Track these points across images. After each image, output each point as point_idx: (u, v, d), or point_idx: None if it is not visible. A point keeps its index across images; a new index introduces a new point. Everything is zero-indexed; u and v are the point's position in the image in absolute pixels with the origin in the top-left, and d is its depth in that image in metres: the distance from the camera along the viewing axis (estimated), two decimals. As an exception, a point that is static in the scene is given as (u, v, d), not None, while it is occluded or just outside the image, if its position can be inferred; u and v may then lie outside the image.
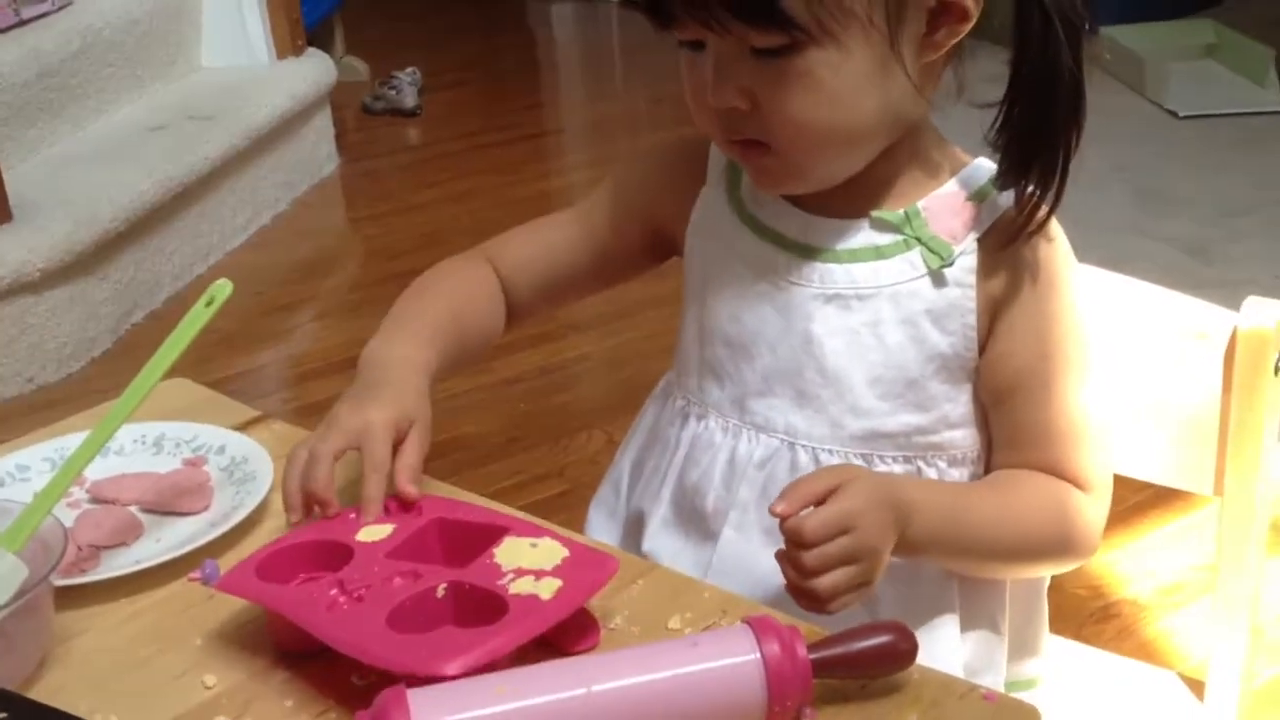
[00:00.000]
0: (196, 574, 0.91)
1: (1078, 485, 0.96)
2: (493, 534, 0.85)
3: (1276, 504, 1.06)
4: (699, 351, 1.03)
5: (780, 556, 0.85)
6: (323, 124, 3.74)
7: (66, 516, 0.94)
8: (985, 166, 0.98)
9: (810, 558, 0.83)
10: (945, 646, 0.98)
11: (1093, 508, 0.97)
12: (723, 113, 0.92)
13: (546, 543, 0.84)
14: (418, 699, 0.70)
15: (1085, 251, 0.99)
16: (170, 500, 0.99)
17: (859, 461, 0.97)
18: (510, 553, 0.83)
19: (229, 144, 3.20)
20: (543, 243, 1.11)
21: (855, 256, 0.97)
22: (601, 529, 1.10)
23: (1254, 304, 1.01)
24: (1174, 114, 3.71)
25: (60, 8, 3.19)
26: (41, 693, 0.81)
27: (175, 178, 2.99)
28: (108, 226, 2.74)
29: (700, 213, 1.04)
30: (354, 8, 4.63)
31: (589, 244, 1.10)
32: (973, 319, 0.96)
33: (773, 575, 0.86)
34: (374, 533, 0.87)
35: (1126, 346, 1.06)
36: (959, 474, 0.99)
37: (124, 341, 2.80)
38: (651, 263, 1.11)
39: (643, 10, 0.91)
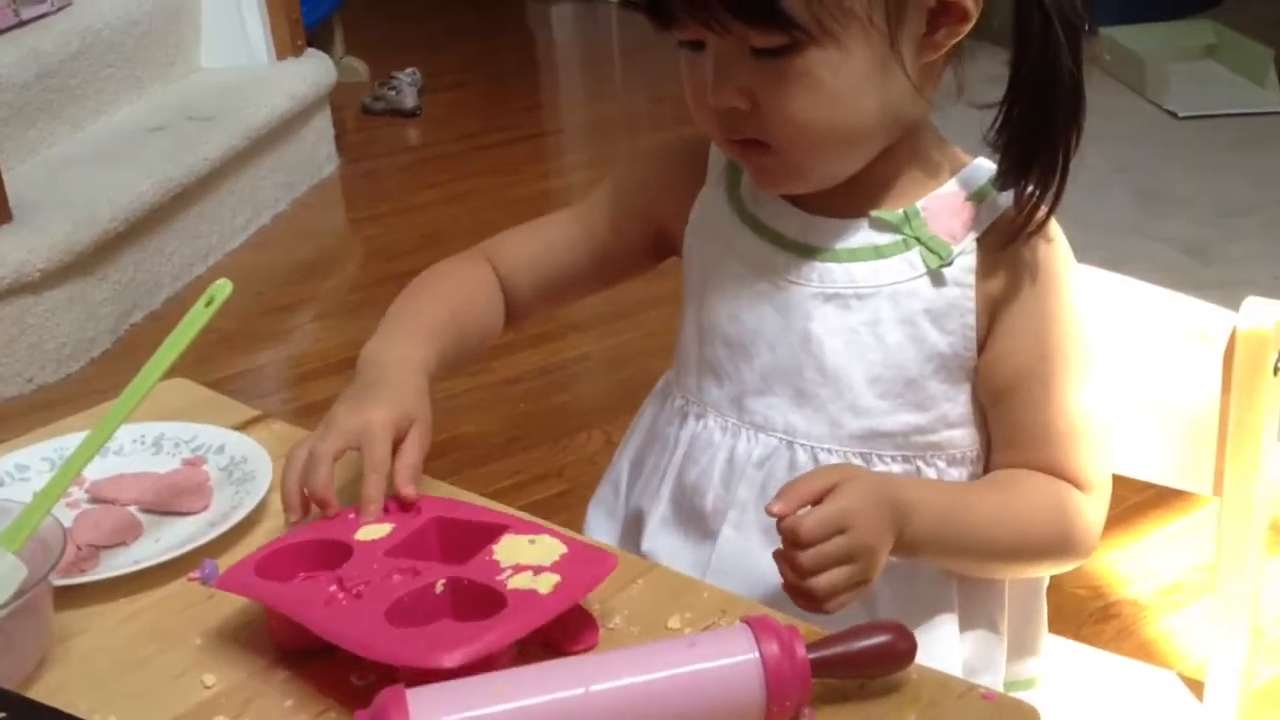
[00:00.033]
0: (196, 574, 0.91)
1: (1077, 485, 0.96)
2: (491, 532, 0.85)
3: (1276, 504, 1.06)
4: (698, 351, 1.03)
5: (777, 556, 0.85)
6: (322, 125, 3.74)
7: (66, 516, 0.94)
8: (985, 167, 0.98)
9: (807, 557, 0.83)
10: (944, 646, 0.98)
11: (1092, 508, 0.97)
12: (723, 112, 0.92)
13: (545, 540, 0.84)
14: (416, 698, 0.70)
15: (1085, 252, 0.99)
16: (169, 500, 0.99)
17: (858, 461, 0.97)
18: (509, 549, 0.83)
19: (228, 144, 3.20)
20: (542, 242, 1.11)
21: (855, 256, 0.97)
22: (601, 528, 1.10)
23: (1253, 304, 1.01)
24: (1174, 114, 3.71)
25: (59, 9, 3.19)
26: (41, 692, 0.81)
27: (175, 178, 2.99)
28: (107, 227, 2.74)
29: (700, 212, 1.04)
30: (354, 8, 4.63)
31: (589, 243, 1.10)
32: (972, 319, 0.96)
33: (771, 574, 0.86)
34: (373, 532, 0.87)
35: (1126, 347, 1.06)
36: (958, 474, 0.99)
37: (123, 342, 2.80)
38: (651, 262, 1.12)
39: (643, 10, 0.91)
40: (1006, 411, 0.97)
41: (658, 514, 1.04)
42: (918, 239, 0.96)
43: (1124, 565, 1.97)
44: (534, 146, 4.06)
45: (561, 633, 0.81)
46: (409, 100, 4.20)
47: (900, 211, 0.96)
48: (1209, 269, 2.88)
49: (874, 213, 0.97)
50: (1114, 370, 1.04)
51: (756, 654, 0.73)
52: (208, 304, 0.95)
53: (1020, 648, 1.05)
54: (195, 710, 0.79)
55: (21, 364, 2.60)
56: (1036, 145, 0.92)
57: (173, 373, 0.95)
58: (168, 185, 2.96)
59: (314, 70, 3.69)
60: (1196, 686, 1.11)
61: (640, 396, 1.12)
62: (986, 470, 1.00)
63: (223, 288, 0.96)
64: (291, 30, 3.69)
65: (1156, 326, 1.06)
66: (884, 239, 0.97)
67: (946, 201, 0.97)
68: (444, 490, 0.96)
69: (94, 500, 1.01)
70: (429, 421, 0.94)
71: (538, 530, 0.85)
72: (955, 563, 0.98)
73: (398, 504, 0.89)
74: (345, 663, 0.79)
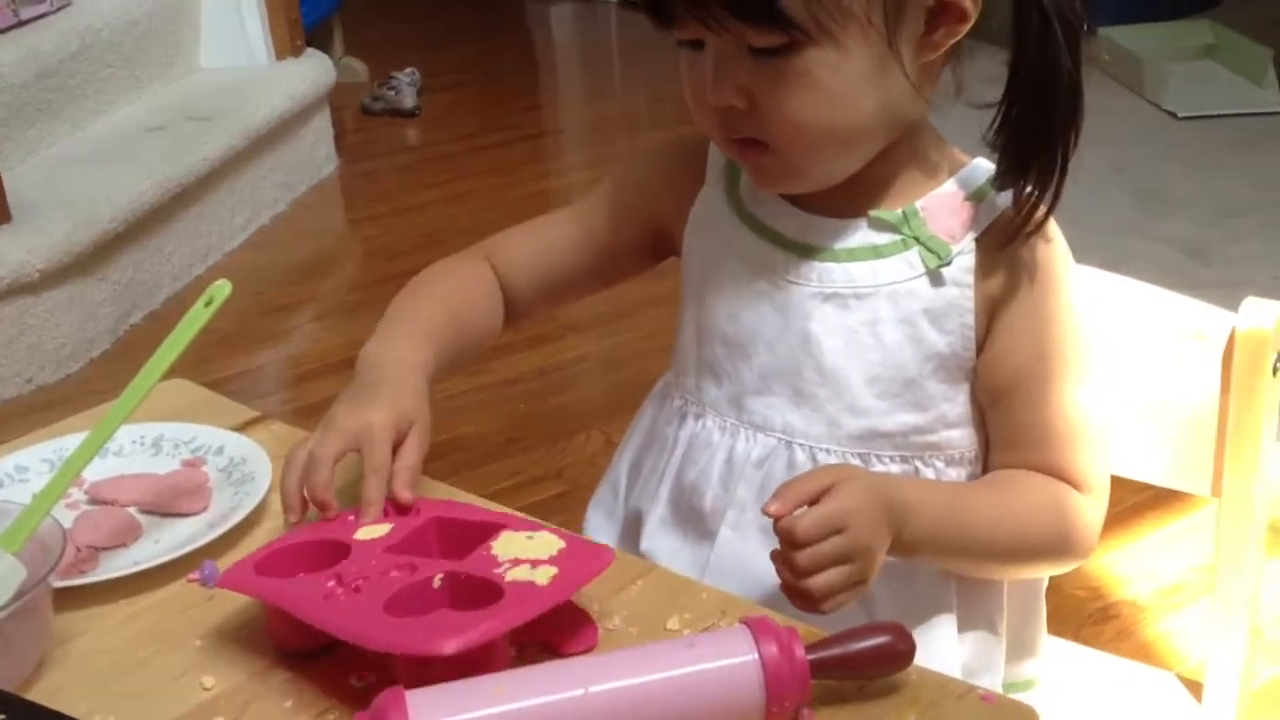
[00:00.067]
0: (195, 575, 0.90)
1: (1075, 486, 0.96)
2: (489, 530, 0.85)
3: (1275, 505, 1.06)
4: (697, 351, 1.03)
5: (774, 556, 0.85)
6: (322, 125, 3.74)
7: (65, 517, 0.94)
8: (983, 167, 0.98)
9: (803, 557, 0.83)
10: (943, 647, 0.98)
11: (1090, 508, 0.97)
12: (721, 112, 0.92)
13: (542, 535, 0.84)
14: (416, 700, 0.70)
15: (1084, 252, 0.99)
16: (169, 501, 0.99)
17: (856, 461, 0.97)
18: (506, 545, 0.83)
19: (228, 145, 3.20)
20: (541, 241, 1.11)
21: (853, 256, 0.97)
22: (600, 529, 1.10)
23: (1252, 305, 1.01)
24: (1173, 114, 3.71)
25: (59, 8, 3.19)
26: (40, 694, 0.81)
27: (174, 178, 2.99)
28: (106, 227, 2.74)
29: (699, 212, 1.04)
30: (353, 9, 4.63)
31: (588, 243, 1.10)
32: (970, 319, 0.96)
33: (770, 575, 0.86)
34: (372, 531, 0.87)
35: (1125, 347, 1.06)
36: (957, 474, 0.99)
37: (123, 342, 2.80)
38: (650, 262, 1.12)
39: (643, 9, 0.91)
40: (1005, 412, 0.97)
41: (656, 514, 1.04)
42: (916, 239, 0.96)
43: (1123, 566, 1.98)
44: (533, 146, 4.06)
45: (560, 634, 0.81)
46: (408, 100, 4.20)
47: (899, 211, 0.97)
48: (1208, 269, 2.88)
49: (873, 212, 0.97)
50: (1113, 371, 1.04)
51: (755, 655, 0.73)
52: (207, 304, 0.95)
53: (1019, 649, 1.05)
54: (195, 712, 0.79)
55: (21, 364, 2.60)
56: (1035, 145, 0.92)
57: (172, 373, 0.95)
58: (167, 185, 2.96)
59: (313, 70, 3.69)
60: (1195, 687, 1.11)
61: (639, 397, 1.12)
62: (985, 471, 1.00)
63: (222, 288, 0.96)
64: (291, 30, 3.69)
65: (1155, 327, 1.06)
66: (883, 239, 0.97)
67: (945, 201, 0.97)
68: (443, 491, 0.96)
69: (93, 501, 1.01)
70: (428, 423, 0.94)
71: (536, 528, 0.85)
72: (954, 563, 0.98)
73: (396, 506, 0.89)
74: (345, 664, 0.80)
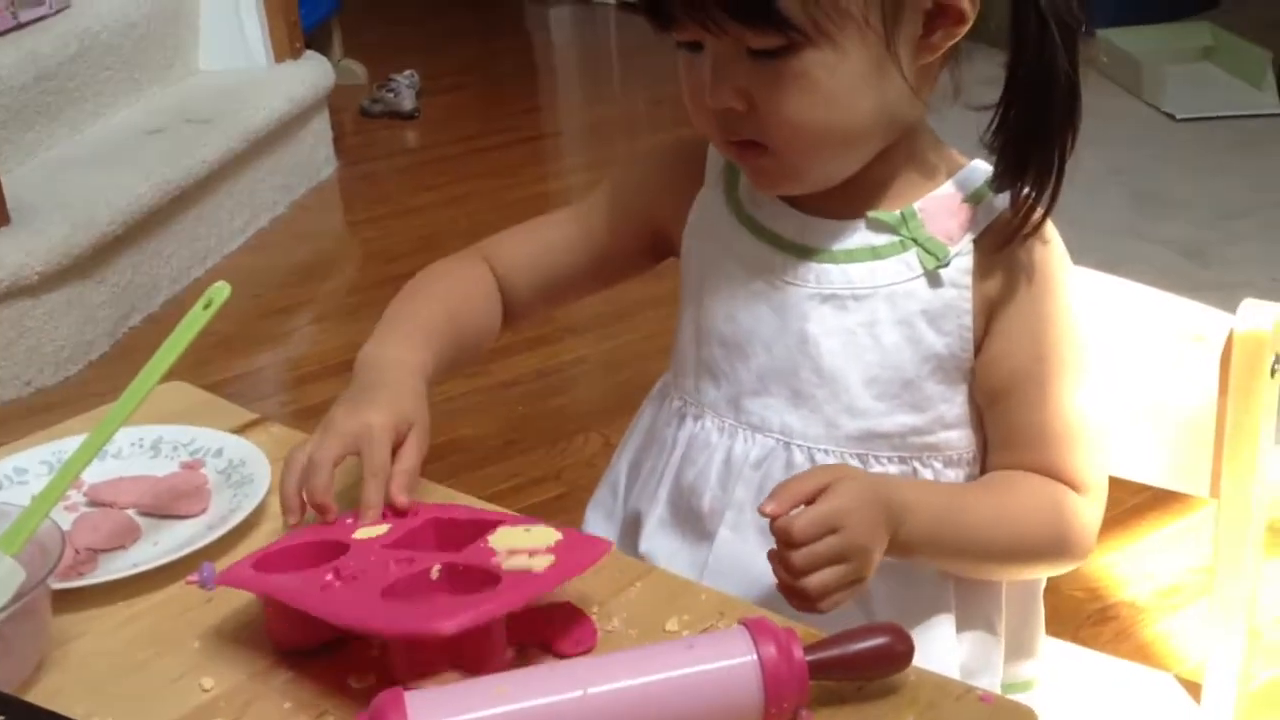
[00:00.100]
0: (194, 577, 0.90)
1: (1073, 487, 0.96)
2: (486, 527, 0.85)
3: (1273, 506, 1.06)
4: (695, 352, 1.03)
5: (771, 556, 0.85)
6: (320, 127, 3.74)
7: (64, 520, 0.94)
8: (981, 168, 0.98)
9: (799, 557, 0.83)
10: (941, 648, 0.98)
11: (1088, 509, 0.97)
12: (720, 113, 0.92)
13: (540, 528, 0.84)
14: (415, 700, 0.70)
15: (1082, 254, 0.99)
16: (168, 503, 0.99)
17: (854, 462, 0.97)
18: (504, 538, 0.83)
19: (227, 147, 3.20)
20: (540, 242, 1.11)
21: (851, 257, 0.97)
22: (599, 530, 1.10)
23: (1250, 306, 1.01)
24: (1171, 116, 3.71)
25: (58, 11, 3.19)
26: (39, 696, 0.81)
27: (173, 181, 2.99)
28: (105, 230, 2.74)
29: (698, 213, 1.04)
30: (352, 11, 4.63)
31: (586, 244, 1.10)
32: (968, 320, 0.96)
33: (768, 575, 0.86)
34: (370, 531, 0.87)
35: (1123, 349, 1.06)
36: (955, 475, 0.99)
37: (121, 344, 2.80)
38: (649, 263, 1.12)
39: (642, 12, 0.92)
40: (1003, 413, 0.97)
41: (655, 515, 1.04)
42: (914, 240, 0.96)
43: (1121, 567, 1.98)
44: (532, 149, 4.06)
45: (559, 635, 0.81)
46: (407, 103, 4.20)
47: (897, 213, 0.97)
48: (1206, 271, 2.88)
49: (871, 214, 0.97)
50: (1111, 372, 1.04)
51: (754, 656, 0.73)
52: (206, 306, 0.95)
53: (1018, 649, 1.05)
54: (194, 713, 0.79)
55: (20, 367, 2.60)
56: (1033, 147, 0.92)
57: (171, 375, 0.94)
58: (166, 188, 2.96)
59: (312, 73, 3.69)
60: (1194, 688, 1.11)
61: (638, 399, 1.12)
62: (983, 472, 1.00)
63: (221, 290, 0.96)
64: (290, 33, 3.69)
65: (1153, 328, 1.06)
66: (881, 240, 0.97)
67: (943, 203, 0.97)
68: (441, 493, 0.96)
69: (92, 503, 1.01)
70: (427, 425, 0.94)
71: (533, 523, 0.85)
72: (951, 564, 0.98)
73: (395, 509, 0.89)
74: (344, 665, 0.80)
